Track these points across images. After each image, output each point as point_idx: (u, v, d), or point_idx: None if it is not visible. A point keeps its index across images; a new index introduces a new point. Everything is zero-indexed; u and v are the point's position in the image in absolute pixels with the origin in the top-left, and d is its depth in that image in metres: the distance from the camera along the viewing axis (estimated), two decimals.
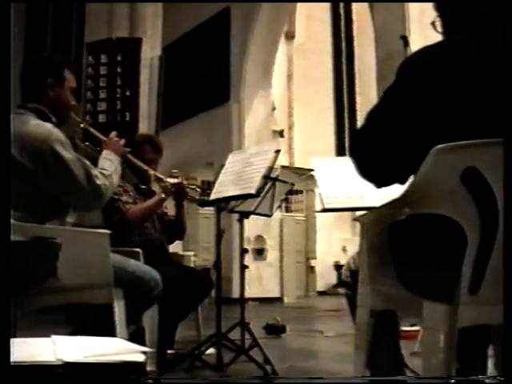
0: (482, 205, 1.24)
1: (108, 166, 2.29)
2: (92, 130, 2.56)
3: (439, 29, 1.53)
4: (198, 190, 3.29)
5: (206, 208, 6.98)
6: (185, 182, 3.23)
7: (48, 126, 2.15)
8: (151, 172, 3.04)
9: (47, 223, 2.08)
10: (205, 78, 10.18)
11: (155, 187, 3.46)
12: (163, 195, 3.10)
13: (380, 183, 1.55)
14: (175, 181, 3.07)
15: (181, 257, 3.86)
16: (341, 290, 2.23)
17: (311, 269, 12.98)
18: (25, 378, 1.01)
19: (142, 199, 3.21)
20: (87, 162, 2.18)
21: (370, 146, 1.49)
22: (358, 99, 15.88)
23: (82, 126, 2.57)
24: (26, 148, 2.05)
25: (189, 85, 10.26)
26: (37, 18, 7.93)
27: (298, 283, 11.87)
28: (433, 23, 1.54)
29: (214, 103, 9.95)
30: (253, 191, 2.73)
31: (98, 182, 2.17)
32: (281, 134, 13.61)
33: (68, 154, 2.11)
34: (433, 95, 1.37)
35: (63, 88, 2.27)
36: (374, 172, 1.51)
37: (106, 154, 2.37)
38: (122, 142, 2.49)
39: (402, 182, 1.50)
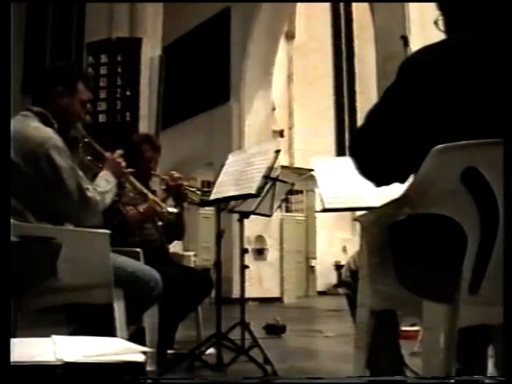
0: (482, 205, 1.24)
1: (103, 185, 2.29)
2: (96, 145, 2.53)
3: (442, 28, 1.53)
4: (198, 192, 3.29)
5: (206, 208, 6.98)
6: (185, 184, 3.23)
7: (48, 130, 2.15)
8: (151, 197, 2.99)
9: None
10: (205, 78, 10.17)
11: (156, 187, 3.47)
12: (159, 223, 3.14)
13: (380, 182, 1.55)
14: (174, 210, 3.07)
15: (181, 257, 3.85)
16: (341, 290, 2.23)
17: (311, 269, 12.98)
18: (25, 378, 1.01)
19: (143, 200, 3.21)
20: (81, 174, 2.17)
21: (370, 145, 1.49)
22: (358, 99, 15.87)
23: (86, 140, 2.55)
24: (21, 149, 2.05)
25: (189, 85, 10.25)
26: (37, 18, 7.91)
27: (298, 283, 11.86)
28: (435, 22, 1.54)
29: (214, 103, 9.94)
30: (253, 191, 2.73)
31: (89, 194, 2.16)
32: (281, 134, 13.62)
33: (62, 161, 2.11)
34: (433, 95, 1.37)
35: (74, 99, 2.27)
36: (374, 171, 1.51)
37: (104, 174, 2.36)
38: (124, 164, 2.48)
39: (402, 181, 1.50)
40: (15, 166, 2.04)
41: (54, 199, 2.14)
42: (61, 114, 2.24)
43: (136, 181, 2.81)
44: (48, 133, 2.14)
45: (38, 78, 2.33)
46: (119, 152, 2.49)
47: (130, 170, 2.56)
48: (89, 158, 2.56)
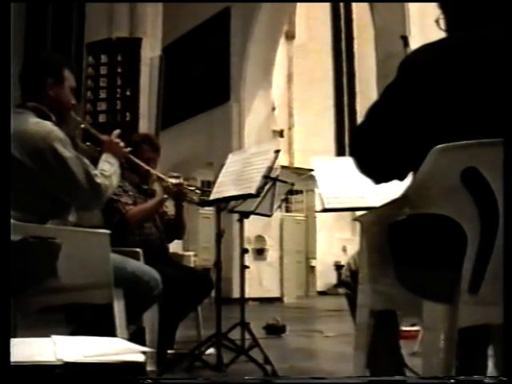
0: (482, 205, 1.24)
1: (107, 168, 2.30)
2: (92, 130, 2.56)
3: (443, 27, 1.53)
4: (197, 191, 3.29)
5: (206, 208, 6.97)
6: (185, 183, 3.23)
7: (48, 124, 2.16)
8: (153, 172, 3.04)
9: (49, 222, 2.08)
10: (205, 78, 10.17)
11: (156, 187, 3.47)
12: (165, 196, 3.11)
13: (379, 179, 1.55)
14: (176, 181, 3.08)
15: (181, 257, 3.85)
16: (341, 290, 2.23)
17: (311, 269, 12.98)
18: (25, 378, 1.01)
19: (143, 199, 3.21)
20: (87, 161, 2.18)
21: (370, 142, 1.49)
22: (358, 99, 15.87)
23: (82, 126, 2.58)
24: (25, 146, 2.06)
25: (189, 85, 10.25)
26: (37, 17, 7.92)
27: (298, 283, 11.87)
28: (437, 21, 1.54)
29: (214, 103, 9.94)
30: (253, 191, 2.73)
31: (98, 180, 2.18)
32: (281, 134, 13.60)
33: (67, 152, 2.12)
34: (433, 93, 1.37)
35: (63, 88, 2.28)
36: (373, 167, 1.51)
37: (105, 157, 2.37)
38: (122, 144, 2.49)
39: (401, 179, 1.50)
40: (21, 164, 2.05)
41: (64, 191, 2.16)
42: (54, 105, 2.25)
43: (136, 158, 2.83)
44: (49, 126, 2.15)
45: (26, 72, 2.31)
46: (116, 132, 2.50)
47: (129, 148, 2.57)
48: (87, 143, 2.57)
